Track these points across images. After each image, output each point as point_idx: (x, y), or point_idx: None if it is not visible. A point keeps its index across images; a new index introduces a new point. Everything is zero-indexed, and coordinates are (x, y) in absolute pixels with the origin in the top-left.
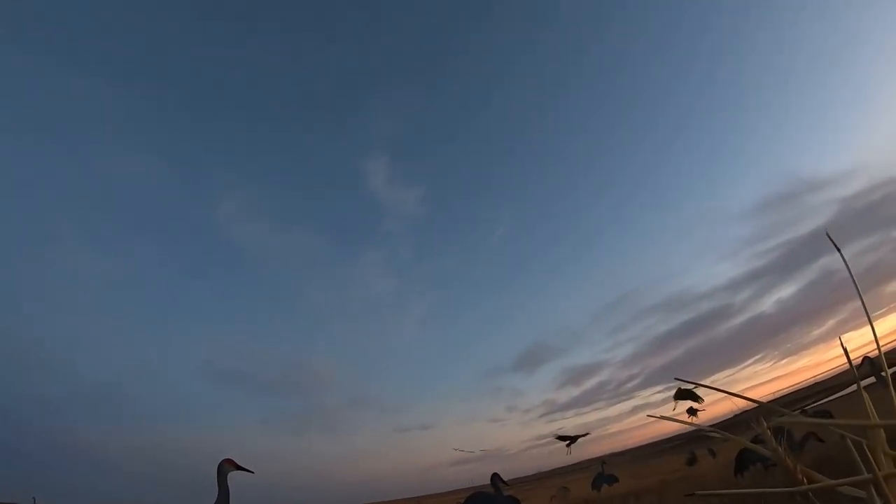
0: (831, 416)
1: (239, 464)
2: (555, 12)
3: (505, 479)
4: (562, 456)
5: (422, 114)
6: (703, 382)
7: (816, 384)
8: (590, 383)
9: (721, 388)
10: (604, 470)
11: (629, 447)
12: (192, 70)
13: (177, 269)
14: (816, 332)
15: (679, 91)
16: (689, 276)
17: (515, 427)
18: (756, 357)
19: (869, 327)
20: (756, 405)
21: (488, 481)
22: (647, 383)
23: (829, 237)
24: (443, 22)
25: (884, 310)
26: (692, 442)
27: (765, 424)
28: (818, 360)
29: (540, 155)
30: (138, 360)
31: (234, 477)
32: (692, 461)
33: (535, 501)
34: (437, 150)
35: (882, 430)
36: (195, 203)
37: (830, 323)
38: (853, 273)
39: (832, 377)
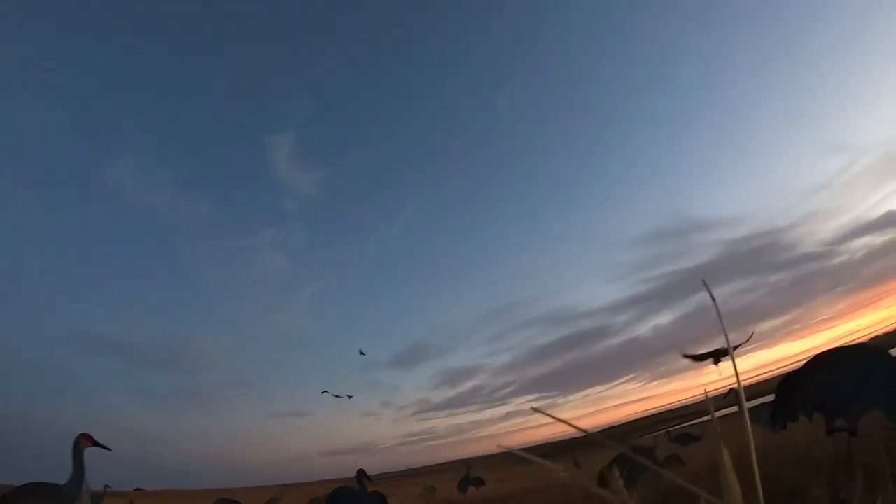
0: (696, 439)
1: (96, 440)
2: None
3: (373, 474)
4: (431, 455)
5: (332, 96)
6: (562, 418)
7: (683, 407)
8: (465, 386)
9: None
10: (470, 473)
11: (498, 452)
12: (95, 23)
13: (53, 224)
14: (686, 361)
15: (590, 118)
16: (574, 294)
17: (388, 423)
18: (629, 377)
19: (735, 361)
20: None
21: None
22: (521, 391)
23: (704, 284)
24: (361, 5)
25: (752, 346)
26: (559, 452)
27: (615, 471)
28: (687, 386)
29: (448, 157)
30: None
31: (92, 454)
32: (578, 465)
33: (403, 498)
34: (344, 135)
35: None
36: (83, 156)
37: (701, 352)
38: (724, 312)
39: (698, 402)
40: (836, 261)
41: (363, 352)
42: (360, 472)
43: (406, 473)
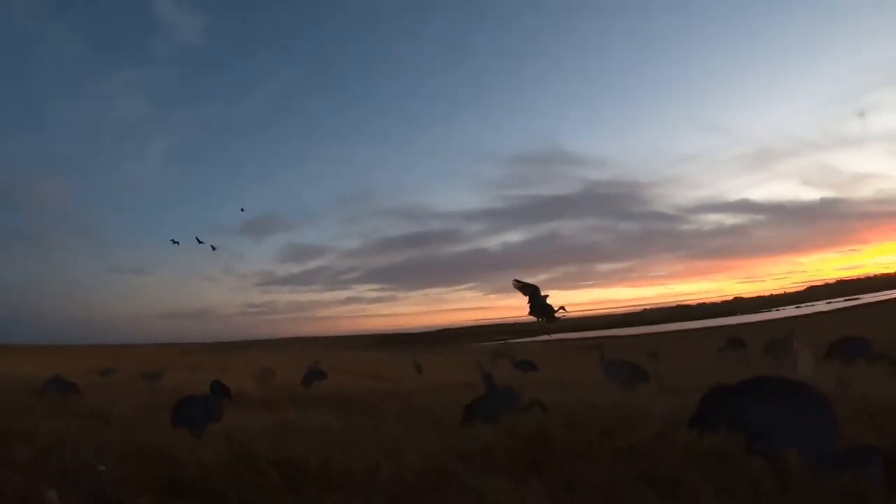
0: (535, 368)
1: None
2: None
3: (209, 342)
4: (268, 329)
5: None
6: None
7: (516, 323)
8: (311, 265)
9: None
10: (316, 366)
11: (338, 335)
12: None
13: None
14: (529, 280)
15: (481, 34)
16: (432, 194)
17: (229, 290)
18: (470, 285)
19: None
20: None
21: (197, 340)
22: (365, 279)
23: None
24: None
25: (590, 283)
26: (396, 343)
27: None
28: (521, 304)
29: (329, 29)
30: None
31: None
32: (420, 370)
33: (237, 376)
34: None
35: None
36: None
37: (543, 276)
38: (573, 245)
39: (528, 322)
40: (685, 227)
41: (243, 209)
42: (216, 383)
43: (241, 345)
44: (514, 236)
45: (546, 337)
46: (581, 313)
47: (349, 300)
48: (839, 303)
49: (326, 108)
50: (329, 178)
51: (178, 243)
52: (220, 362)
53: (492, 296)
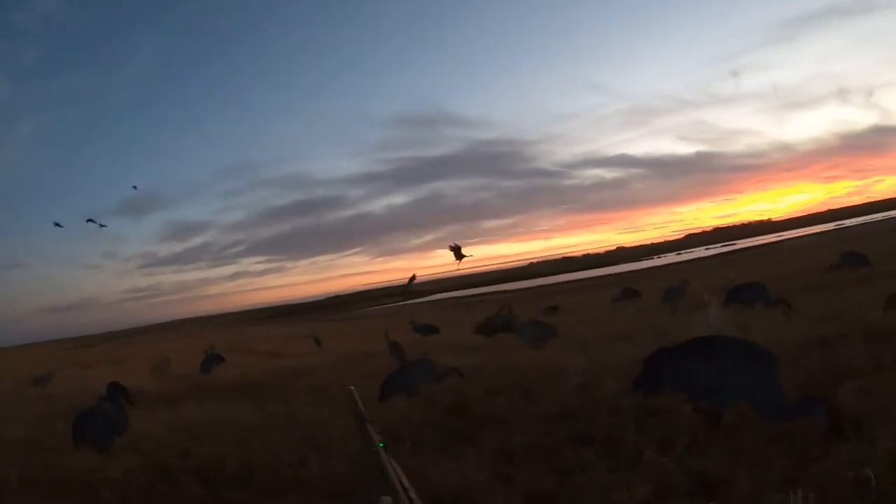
0: (436, 330)
1: None
2: None
3: (95, 333)
4: (156, 312)
5: None
6: None
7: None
8: (195, 241)
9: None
10: (213, 350)
11: (229, 311)
12: None
13: None
14: (415, 241)
15: None
16: (314, 161)
17: (111, 276)
18: (356, 250)
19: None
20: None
21: (85, 332)
22: (251, 252)
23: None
24: None
25: (476, 240)
26: (289, 315)
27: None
28: (411, 266)
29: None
30: None
31: None
32: (318, 342)
33: (132, 370)
34: None
35: None
36: None
37: (429, 237)
38: (457, 204)
39: (422, 283)
40: (567, 182)
41: (136, 186)
42: (113, 385)
43: (131, 333)
44: (399, 199)
45: (440, 296)
46: (469, 271)
47: (237, 275)
48: (717, 248)
49: (201, 80)
50: (208, 151)
51: (61, 226)
52: (112, 355)
53: (379, 259)
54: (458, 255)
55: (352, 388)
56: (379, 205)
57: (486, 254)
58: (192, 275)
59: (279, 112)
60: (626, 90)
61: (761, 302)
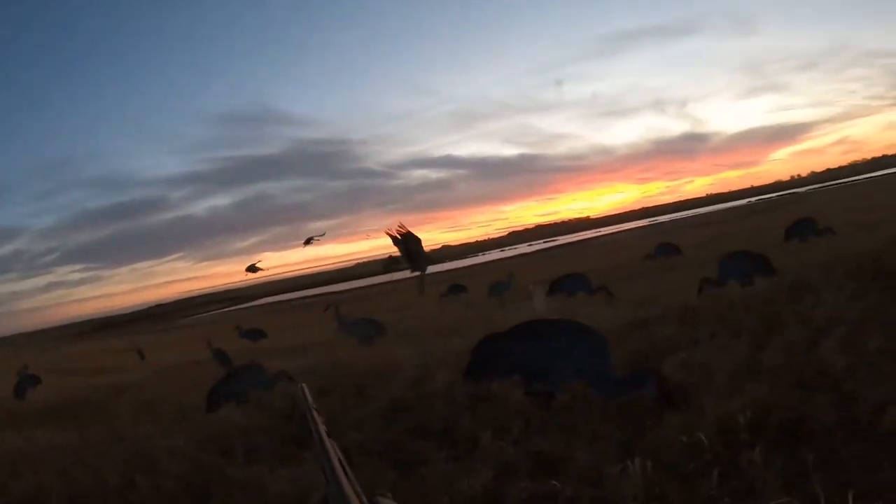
0: (264, 335)
1: None
2: None
3: None
4: None
5: None
6: None
7: (230, 290)
8: (3, 250)
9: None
10: (27, 371)
11: (45, 327)
12: None
13: None
14: (240, 244)
15: None
16: (134, 160)
17: None
18: (179, 254)
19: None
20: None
21: None
22: (66, 260)
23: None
24: None
25: (302, 242)
26: (110, 328)
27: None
28: (235, 271)
29: None
30: None
31: None
32: (142, 355)
33: None
34: None
35: None
36: None
37: (253, 240)
38: (283, 204)
39: (247, 287)
40: (393, 183)
41: None
42: None
43: None
44: (222, 200)
45: (268, 300)
46: (297, 273)
47: (51, 286)
48: (540, 245)
49: (5, 69)
50: (18, 150)
51: None
52: None
53: (202, 264)
54: (252, 269)
55: (302, 385)
56: (201, 207)
57: (314, 255)
58: (1, 288)
59: (98, 107)
60: (453, 93)
61: (584, 290)
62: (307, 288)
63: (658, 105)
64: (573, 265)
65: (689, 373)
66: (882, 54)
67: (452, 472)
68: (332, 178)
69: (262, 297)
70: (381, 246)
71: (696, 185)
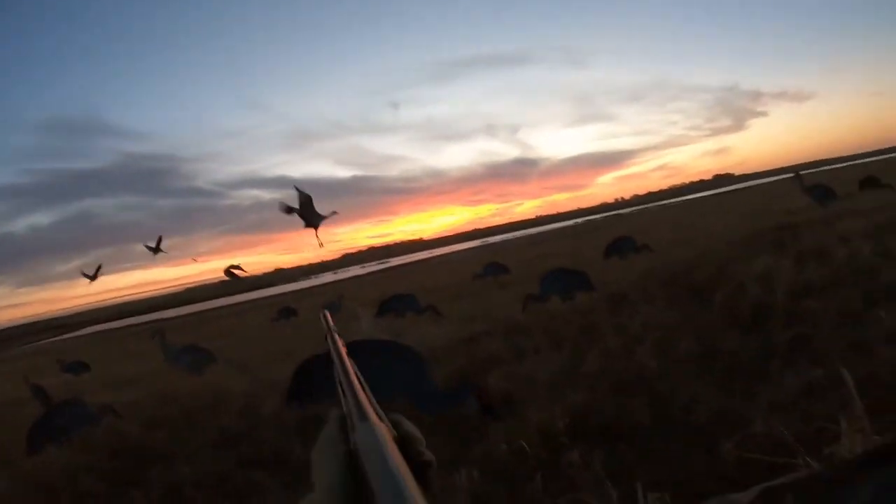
0: (88, 367)
1: None
2: None
3: None
4: None
5: None
6: None
7: (54, 319)
8: None
9: None
10: None
11: None
12: None
13: None
14: (61, 268)
15: None
16: None
17: None
18: None
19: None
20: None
21: None
22: None
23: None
24: None
25: (129, 265)
26: None
27: None
28: (58, 296)
29: None
30: None
31: None
32: None
33: None
34: None
35: None
36: None
37: (77, 262)
38: (108, 224)
39: (71, 315)
40: (225, 203)
41: None
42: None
43: None
44: (43, 218)
45: (93, 328)
46: (124, 298)
47: None
48: (373, 266)
49: None
50: None
51: None
52: None
53: (22, 290)
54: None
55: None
56: (21, 224)
57: (141, 279)
58: None
59: None
60: (288, 112)
61: (412, 310)
62: (137, 314)
63: (491, 130)
64: (404, 286)
65: (513, 384)
66: (700, 90)
67: (285, 502)
68: (162, 196)
69: (88, 324)
70: (211, 269)
71: (526, 207)
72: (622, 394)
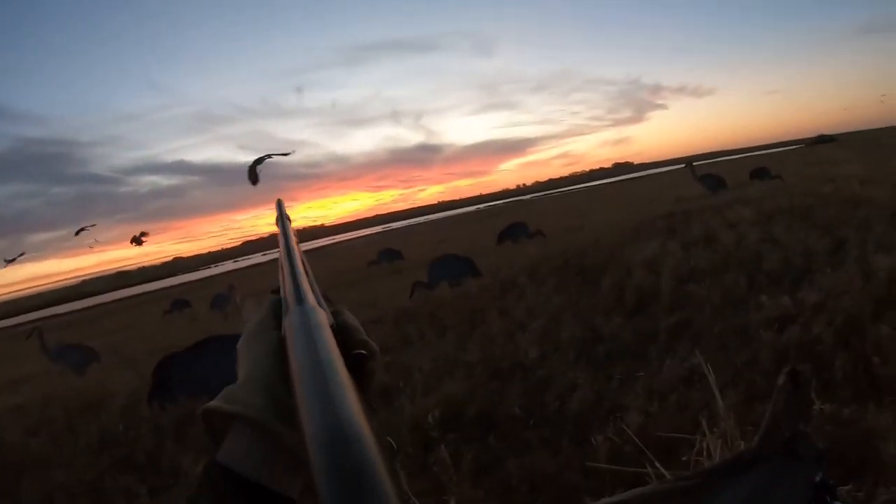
0: None
1: None
2: None
3: None
4: None
5: None
6: None
7: None
8: None
9: None
10: None
11: None
12: None
13: None
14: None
15: None
16: None
17: None
18: None
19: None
20: None
21: None
22: None
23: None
24: None
25: (24, 257)
26: None
27: None
28: None
29: None
30: None
31: None
32: None
33: None
34: None
35: None
36: None
37: None
38: (6, 213)
39: None
40: (122, 190)
41: None
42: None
43: None
44: None
45: None
46: (15, 294)
47: None
48: (273, 254)
49: None
50: None
51: None
52: None
53: None
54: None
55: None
56: None
57: (34, 273)
58: None
59: None
60: (190, 94)
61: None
62: (29, 311)
63: (395, 116)
64: None
65: (395, 374)
66: (603, 82)
67: None
68: (56, 183)
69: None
70: (109, 260)
71: (429, 192)
72: (500, 382)
